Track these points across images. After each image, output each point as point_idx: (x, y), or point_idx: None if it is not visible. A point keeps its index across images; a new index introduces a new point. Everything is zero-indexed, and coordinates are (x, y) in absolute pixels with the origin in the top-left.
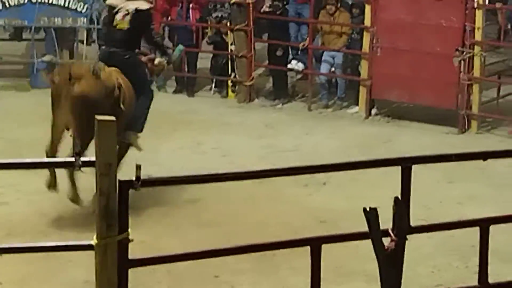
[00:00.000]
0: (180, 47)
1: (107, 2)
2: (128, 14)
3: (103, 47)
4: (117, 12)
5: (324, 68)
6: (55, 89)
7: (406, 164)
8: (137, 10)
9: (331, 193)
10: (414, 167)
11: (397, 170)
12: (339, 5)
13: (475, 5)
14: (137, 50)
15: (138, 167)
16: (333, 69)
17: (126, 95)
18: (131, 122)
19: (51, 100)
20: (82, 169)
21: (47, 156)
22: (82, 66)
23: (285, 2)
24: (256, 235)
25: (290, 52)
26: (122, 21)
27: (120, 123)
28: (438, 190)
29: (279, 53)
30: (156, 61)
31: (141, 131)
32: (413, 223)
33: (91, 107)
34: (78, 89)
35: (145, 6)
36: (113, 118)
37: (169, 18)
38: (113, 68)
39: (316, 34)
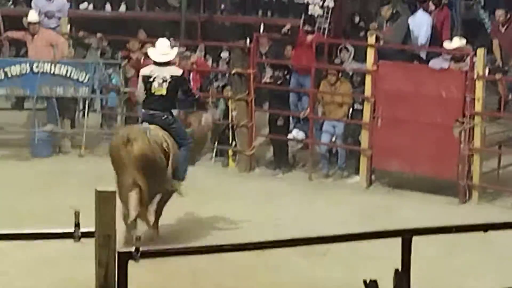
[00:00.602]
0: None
1: (141, 73)
2: (165, 81)
3: (143, 110)
4: (153, 80)
5: (325, 137)
6: (114, 153)
7: (406, 236)
8: (172, 77)
9: (331, 264)
10: (414, 238)
11: (397, 241)
12: (340, 75)
13: (475, 76)
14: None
15: (138, 238)
16: (334, 138)
17: (171, 148)
18: (175, 172)
19: (112, 164)
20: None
21: (125, 220)
22: (134, 129)
23: (286, 72)
24: None
25: (290, 121)
26: (160, 88)
27: (168, 172)
28: (439, 261)
29: (279, 122)
30: (203, 119)
31: (183, 179)
32: None
33: (151, 163)
34: (138, 149)
35: (178, 72)
36: (112, 189)
37: None
38: (156, 126)
39: (317, 104)
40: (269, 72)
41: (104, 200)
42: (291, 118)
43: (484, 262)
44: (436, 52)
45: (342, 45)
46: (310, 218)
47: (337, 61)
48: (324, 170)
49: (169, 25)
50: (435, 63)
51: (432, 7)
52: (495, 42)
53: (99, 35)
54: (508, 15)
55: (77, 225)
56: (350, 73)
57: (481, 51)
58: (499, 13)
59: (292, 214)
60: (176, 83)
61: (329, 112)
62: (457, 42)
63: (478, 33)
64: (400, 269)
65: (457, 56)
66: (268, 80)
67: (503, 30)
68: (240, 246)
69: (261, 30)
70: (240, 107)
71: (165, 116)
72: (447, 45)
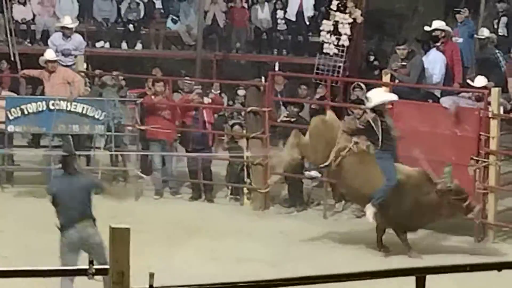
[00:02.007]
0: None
1: None
2: None
3: None
4: None
5: None
6: None
7: (420, 274)
8: None
9: None
10: (429, 276)
11: (412, 280)
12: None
13: (490, 114)
14: None
15: (151, 275)
16: None
17: None
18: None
19: None
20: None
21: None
22: None
23: (300, 110)
24: None
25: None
26: None
27: None
28: None
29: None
30: None
31: None
32: None
33: None
34: None
35: None
36: (127, 226)
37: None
38: None
39: None
40: (284, 110)
41: (118, 237)
42: None
43: None
44: (450, 90)
45: (355, 83)
46: (325, 256)
47: (352, 97)
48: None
49: (185, 63)
50: (446, 101)
51: (437, 43)
52: (510, 80)
53: (115, 73)
54: None
55: (91, 262)
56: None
57: (495, 90)
58: None
59: (307, 252)
60: None
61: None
62: (482, 81)
63: (492, 71)
64: None
65: (479, 96)
66: (284, 119)
67: None
68: (254, 284)
69: (276, 69)
70: (255, 145)
71: None
72: (471, 83)
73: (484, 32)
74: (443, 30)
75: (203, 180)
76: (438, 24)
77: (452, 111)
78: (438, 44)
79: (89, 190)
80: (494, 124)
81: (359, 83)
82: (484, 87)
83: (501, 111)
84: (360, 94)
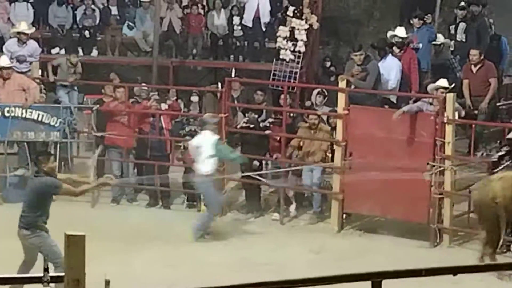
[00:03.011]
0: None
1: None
2: None
3: None
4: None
5: (306, 180)
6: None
7: (375, 279)
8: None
9: None
10: (385, 281)
11: (368, 284)
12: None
13: (445, 120)
14: None
15: (107, 282)
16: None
17: None
18: None
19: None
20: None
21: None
22: None
23: (258, 116)
24: None
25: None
26: None
27: None
28: None
29: (254, 166)
30: None
31: None
32: None
33: None
34: None
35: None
36: (82, 233)
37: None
38: None
39: (291, 150)
40: (240, 116)
41: (73, 244)
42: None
43: None
44: (406, 96)
45: (317, 89)
46: (282, 262)
47: (307, 103)
48: (304, 214)
49: (141, 70)
50: (411, 108)
51: (396, 50)
52: (465, 82)
53: (71, 79)
54: (482, 56)
55: (46, 269)
56: (325, 117)
57: (450, 96)
58: (474, 53)
59: (264, 258)
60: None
61: (306, 157)
62: (444, 82)
63: (448, 77)
64: None
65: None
66: (244, 125)
67: (475, 70)
68: None
69: (233, 75)
70: None
71: None
72: (432, 86)
73: (440, 38)
74: (402, 38)
75: (160, 187)
76: (399, 31)
77: (425, 123)
78: (395, 50)
79: (42, 192)
80: (449, 130)
81: (323, 89)
82: (446, 88)
83: (457, 117)
84: (321, 100)
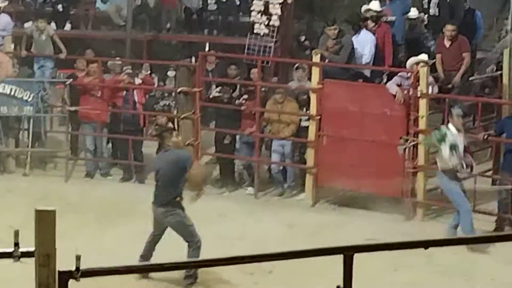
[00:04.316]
0: None
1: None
2: None
3: None
4: None
5: (275, 157)
6: None
7: (348, 252)
8: None
9: (276, 282)
10: (359, 255)
11: (342, 258)
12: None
13: (419, 94)
14: None
15: (78, 258)
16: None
17: None
18: None
19: None
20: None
21: None
22: None
23: (231, 90)
24: None
25: (237, 140)
26: None
27: None
28: (384, 277)
29: (226, 141)
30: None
31: None
32: None
33: None
34: None
35: None
36: (53, 208)
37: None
38: None
39: (264, 124)
40: (216, 90)
41: (43, 219)
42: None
43: (428, 278)
44: (380, 70)
45: (297, 64)
46: (256, 236)
47: (273, 79)
48: (278, 189)
49: (115, 44)
50: (391, 86)
51: (371, 24)
52: (438, 57)
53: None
54: (456, 31)
55: (16, 244)
56: (296, 92)
57: (424, 70)
58: (450, 28)
59: (238, 232)
60: None
61: (277, 131)
62: (424, 56)
63: (421, 51)
64: (342, 286)
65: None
66: (216, 94)
67: (448, 45)
68: (185, 264)
69: (207, 49)
70: (186, 126)
71: None
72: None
73: (413, 12)
74: (376, 12)
75: (134, 161)
76: (373, 5)
77: (399, 98)
78: (369, 24)
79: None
80: (423, 104)
81: (303, 63)
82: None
83: (430, 91)
84: (301, 74)
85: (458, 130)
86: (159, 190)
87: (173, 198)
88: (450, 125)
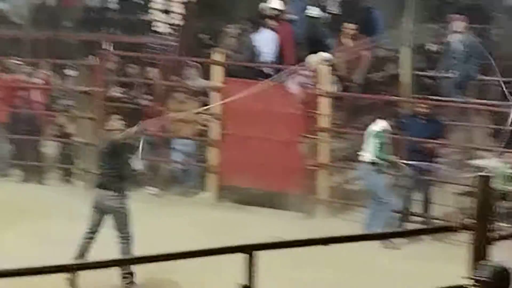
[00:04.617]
0: None
1: None
2: None
3: None
4: None
5: (177, 157)
6: None
7: (249, 251)
8: None
9: (179, 281)
10: (263, 252)
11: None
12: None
13: (320, 92)
14: None
15: None
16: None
17: None
18: None
19: None
20: None
21: None
22: None
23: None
24: None
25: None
26: None
27: None
28: (287, 275)
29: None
30: None
31: None
32: None
33: None
34: None
35: None
36: None
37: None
38: None
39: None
40: (116, 89)
41: None
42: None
43: (330, 274)
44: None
45: (189, 62)
46: (159, 236)
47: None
48: (180, 188)
49: (13, 43)
50: (292, 85)
51: (272, 23)
52: (339, 55)
53: None
54: (356, 30)
55: None
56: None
57: (324, 68)
58: (350, 27)
59: (140, 232)
60: None
61: (179, 130)
62: (326, 55)
63: (322, 50)
64: (245, 284)
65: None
66: (117, 94)
67: (347, 43)
68: (83, 265)
69: (108, 48)
70: (86, 126)
71: None
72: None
73: (314, 10)
74: (277, 10)
75: (34, 161)
76: (273, 3)
77: (300, 97)
78: (271, 23)
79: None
80: (324, 102)
81: (195, 61)
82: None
83: (331, 89)
84: (194, 72)
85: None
86: (103, 175)
87: (118, 184)
88: (381, 121)
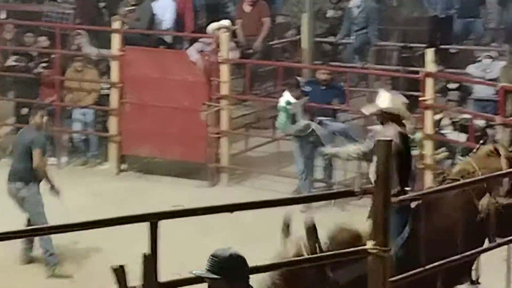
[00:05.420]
0: None
1: None
2: None
3: None
4: None
5: (76, 126)
6: None
7: (152, 219)
8: None
9: (83, 252)
10: (168, 221)
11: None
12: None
13: (220, 59)
14: None
15: None
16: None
17: None
18: None
19: None
20: None
21: None
22: None
23: (28, 60)
24: None
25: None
26: None
27: None
28: (192, 242)
29: (23, 112)
30: None
31: None
32: (166, 277)
33: None
34: None
35: None
36: None
37: None
38: None
39: (64, 93)
40: (12, 59)
41: None
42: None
43: (234, 241)
44: (181, 36)
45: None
46: (60, 206)
47: (73, 47)
48: (81, 158)
49: None
50: (192, 52)
51: None
52: (239, 22)
53: None
54: None
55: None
56: (96, 59)
57: (224, 35)
58: None
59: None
60: None
61: (78, 100)
62: (226, 22)
63: (222, 17)
64: (148, 253)
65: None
66: (13, 63)
67: (248, 10)
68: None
69: (4, 16)
70: None
71: None
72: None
73: None
74: None
75: None
76: None
77: (201, 65)
78: None
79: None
80: (224, 69)
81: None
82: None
83: (232, 56)
84: (83, 41)
85: (297, 98)
86: (13, 167)
87: (26, 175)
88: (286, 93)
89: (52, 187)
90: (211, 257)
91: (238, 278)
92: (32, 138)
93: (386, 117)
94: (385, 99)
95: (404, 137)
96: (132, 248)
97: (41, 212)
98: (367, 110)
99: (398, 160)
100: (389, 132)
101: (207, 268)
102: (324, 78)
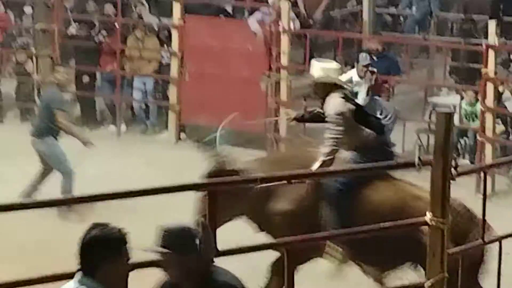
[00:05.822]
0: None
1: None
2: None
3: None
4: None
5: (136, 95)
6: None
7: (212, 188)
8: None
9: (141, 218)
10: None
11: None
12: (147, 30)
13: (280, 29)
14: None
15: None
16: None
17: None
18: None
19: None
20: None
21: None
22: None
23: (91, 28)
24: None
25: (97, 78)
26: None
27: None
28: None
29: (85, 79)
30: None
31: None
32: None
33: None
34: None
35: None
36: None
37: None
38: None
39: (125, 61)
40: (74, 27)
41: None
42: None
43: None
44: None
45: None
46: (120, 175)
47: (134, 16)
48: (140, 126)
49: None
50: (252, 22)
51: None
52: None
53: None
54: None
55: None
56: (157, 28)
57: (285, 5)
58: None
59: (101, 171)
60: None
61: (138, 68)
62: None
63: None
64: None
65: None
66: (74, 32)
67: None
68: (44, 203)
69: None
70: (44, 64)
71: None
72: None
73: None
74: None
75: None
76: None
77: (261, 35)
78: None
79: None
80: (284, 39)
81: None
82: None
83: (292, 26)
84: (144, 10)
85: (361, 78)
86: (34, 122)
87: (47, 130)
88: (354, 71)
89: (83, 142)
90: (162, 231)
91: (189, 251)
92: (51, 97)
93: (321, 88)
94: (317, 70)
95: (352, 103)
96: (188, 216)
97: (62, 161)
98: (298, 82)
99: (350, 125)
100: (333, 101)
101: (158, 243)
102: (375, 47)
